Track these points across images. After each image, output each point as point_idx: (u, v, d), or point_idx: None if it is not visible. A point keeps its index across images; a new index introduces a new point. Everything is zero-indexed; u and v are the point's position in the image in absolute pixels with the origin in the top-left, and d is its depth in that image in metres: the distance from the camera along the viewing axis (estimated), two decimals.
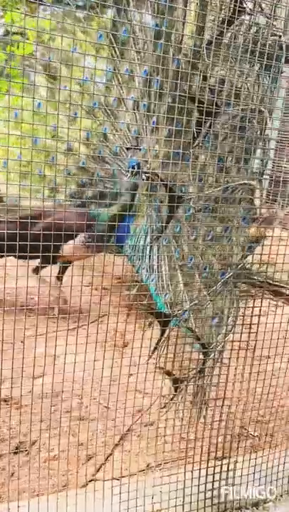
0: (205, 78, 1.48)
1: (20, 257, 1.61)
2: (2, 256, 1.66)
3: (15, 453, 2.24)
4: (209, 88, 1.49)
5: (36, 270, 3.59)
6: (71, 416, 2.36)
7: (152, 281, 2.89)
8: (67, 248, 2.91)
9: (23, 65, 1.43)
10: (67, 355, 1.71)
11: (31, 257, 1.59)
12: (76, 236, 3.22)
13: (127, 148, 3.49)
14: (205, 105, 1.44)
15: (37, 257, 1.64)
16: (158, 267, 2.82)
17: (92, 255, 3.18)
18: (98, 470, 2.19)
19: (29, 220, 1.56)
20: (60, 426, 2.08)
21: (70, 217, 2.67)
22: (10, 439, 2.27)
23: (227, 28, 1.54)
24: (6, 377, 1.63)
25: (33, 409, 1.73)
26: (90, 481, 2.12)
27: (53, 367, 1.72)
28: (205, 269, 2.34)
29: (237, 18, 1.54)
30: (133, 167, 3.29)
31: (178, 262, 2.52)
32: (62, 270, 3.66)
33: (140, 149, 3.37)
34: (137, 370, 1.81)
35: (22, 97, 1.40)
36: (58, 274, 3.68)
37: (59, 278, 3.70)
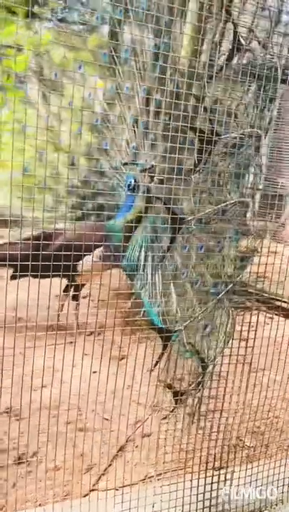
0: (206, 109, 1.58)
1: (36, 276, 1.67)
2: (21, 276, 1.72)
3: (16, 463, 2.28)
4: (209, 119, 1.59)
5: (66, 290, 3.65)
6: (72, 427, 2.40)
7: (146, 292, 2.95)
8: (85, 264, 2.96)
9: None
10: (67, 367, 1.77)
11: (46, 276, 1.65)
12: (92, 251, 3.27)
13: (124, 164, 3.56)
14: (206, 135, 1.54)
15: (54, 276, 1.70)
16: (152, 280, 2.89)
17: (108, 269, 3.23)
18: (98, 480, 2.24)
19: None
20: (64, 437, 2.12)
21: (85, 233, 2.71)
22: (12, 450, 2.30)
23: (226, 64, 1.64)
24: (8, 388, 1.69)
25: (33, 420, 1.78)
26: (90, 490, 2.17)
27: (52, 378, 1.78)
28: (196, 283, 2.42)
29: (236, 55, 1.65)
30: (130, 182, 3.37)
31: (178, 278, 2.60)
32: (75, 290, 3.66)
33: (137, 164, 3.45)
34: (140, 382, 1.87)
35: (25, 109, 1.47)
36: (73, 298, 3.68)
37: (75, 298, 3.69)
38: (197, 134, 1.58)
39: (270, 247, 2.12)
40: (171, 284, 2.58)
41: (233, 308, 2.29)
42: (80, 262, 2.90)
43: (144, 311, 2.81)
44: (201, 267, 2.42)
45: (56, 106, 2.52)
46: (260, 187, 2.31)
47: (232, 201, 1.96)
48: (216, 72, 1.60)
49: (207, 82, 1.55)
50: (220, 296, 2.04)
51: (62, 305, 3.77)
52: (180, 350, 2.24)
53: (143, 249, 3.21)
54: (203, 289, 2.28)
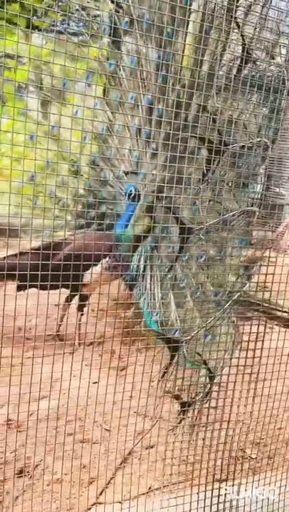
0: (214, 120, 1.60)
1: (43, 288, 1.67)
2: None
3: (19, 476, 2.25)
4: (218, 129, 1.60)
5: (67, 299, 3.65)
6: (74, 438, 2.38)
7: (144, 300, 2.95)
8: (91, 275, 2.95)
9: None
10: (68, 377, 1.76)
11: (53, 287, 1.65)
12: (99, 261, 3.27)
13: (126, 173, 3.59)
14: (214, 145, 1.56)
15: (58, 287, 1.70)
16: (152, 291, 2.89)
17: (115, 279, 3.22)
18: (101, 493, 2.21)
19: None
20: (67, 448, 2.10)
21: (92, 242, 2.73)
22: (14, 462, 2.28)
23: (235, 76, 1.66)
24: (10, 400, 1.67)
25: (35, 432, 1.77)
26: (93, 504, 2.14)
27: (60, 389, 1.76)
28: (197, 292, 2.42)
29: (245, 67, 1.67)
30: (131, 191, 3.39)
31: (182, 288, 2.60)
32: (82, 300, 3.64)
33: (137, 173, 3.47)
34: (147, 393, 1.86)
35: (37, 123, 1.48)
36: (78, 309, 3.66)
37: (80, 309, 3.67)
38: (206, 144, 1.59)
39: (276, 257, 2.13)
40: (178, 293, 2.58)
41: (237, 319, 2.29)
42: (87, 272, 2.90)
43: (145, 320, 2.81)
44: (206, 276, 2.42)
45: (62, 115, 2.55)
46: (264, 196, 2.33)
47: (239, 210, 1.98)
48: (226, 84, 1.62)
49: (216, 93, 1.57)
50: (227, 306, 2.05)
51: (63, 315, 3.76)
52: (182, 360, 2.24)
53: (143, 258, 3.22)
54: (210, 299, 2.29)
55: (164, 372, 2.04)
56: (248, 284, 2.12)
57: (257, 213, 2.09)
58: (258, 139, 1.80)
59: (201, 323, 2.11)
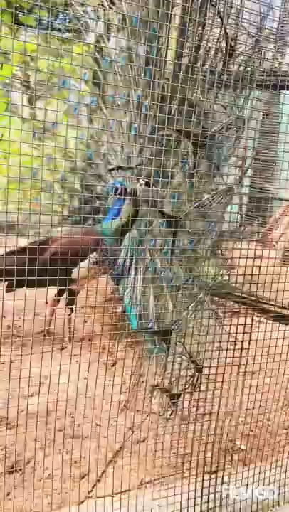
0: (200, 113, 1.61)
1: (31, 286, 1.66)
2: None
3: (10, 472, 2.25)
4: (203, 126, 1.61)
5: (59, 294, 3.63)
6: (65, 434, 2.38)
7: (127, 294, 2.95)
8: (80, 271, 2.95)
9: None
10: (58, 373, 1.76)
11: (42, 285, 1.65)
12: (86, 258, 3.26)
13: (111, 169, 3.57)
14: (199, 138, 1.56)
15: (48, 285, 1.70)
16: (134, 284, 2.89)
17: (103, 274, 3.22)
18: (93, 487, 2.22)
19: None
20: (57, 444, 2.10)
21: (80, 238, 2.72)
22: (5, 459, 2.28)
23: (222, 70, 1.67)
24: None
25: (26, 428, 1.77)
26: (85, 498, 2.15)
27: (49, 386, 1.76)
28: (171, 281, 2.42)
29: (229, 61, 1.68)
30: (116, 188, 3.38)
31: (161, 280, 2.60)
32: (71, 300, 3.62)
33: (124, 169, 3.46)
34: (138, 387, 1.87)
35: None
36: (68, 304, 3.64)
37: (70, 308, 3.63)
38: (191, 138, 1.60)
39: (262, 250, 2.14)
40: (157, 286, 2.59)
41: (219, 311, 2.31)
42: (75, 267, 2.89)
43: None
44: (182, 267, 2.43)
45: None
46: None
47: (220, 189, 1.99)
48: (210, 79, 1.63)
49: (206, 89, 1.58)
50: (200, 296, 2.06)
51: (54, 311, 3.74)
52: (151, 348, 2.25)
53: (129, 253, 3.22)
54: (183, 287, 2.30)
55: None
56: (221, 274, 2.14)
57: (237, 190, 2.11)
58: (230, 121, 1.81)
59: (177, 314, 2.12)
